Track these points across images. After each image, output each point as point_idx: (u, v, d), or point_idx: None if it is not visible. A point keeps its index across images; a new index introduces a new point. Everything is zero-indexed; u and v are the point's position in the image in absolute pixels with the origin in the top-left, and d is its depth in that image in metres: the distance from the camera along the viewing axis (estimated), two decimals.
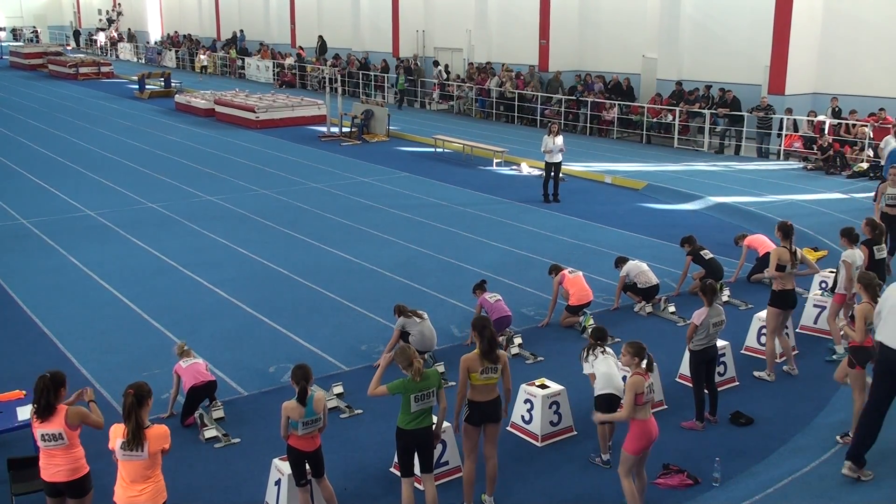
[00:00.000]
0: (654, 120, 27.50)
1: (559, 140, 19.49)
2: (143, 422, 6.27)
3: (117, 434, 6.27)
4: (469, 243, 16.57)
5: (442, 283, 14.15)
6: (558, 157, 19.60)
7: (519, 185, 21.86)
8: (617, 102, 28.77)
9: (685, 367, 10.18)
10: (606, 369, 8.49)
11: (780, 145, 24.65)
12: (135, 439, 6.18)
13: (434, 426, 7.49)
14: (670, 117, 26.91)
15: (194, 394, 9.36)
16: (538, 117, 30.86)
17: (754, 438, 9.14)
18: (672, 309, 12.84)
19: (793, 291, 10.66)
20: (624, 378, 8.07)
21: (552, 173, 19.79)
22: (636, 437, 7.32)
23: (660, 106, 27.34)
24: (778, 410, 9.78)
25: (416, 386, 7.17)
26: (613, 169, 23.18)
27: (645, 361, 7.35)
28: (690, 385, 9.55)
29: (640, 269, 12.92)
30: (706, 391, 9.42)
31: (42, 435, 6.55)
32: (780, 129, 24.42)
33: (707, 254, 13.46)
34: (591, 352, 8.66)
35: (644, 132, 27.58)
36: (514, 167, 23.96)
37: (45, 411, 6.53)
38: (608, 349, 8.77)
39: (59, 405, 6.58)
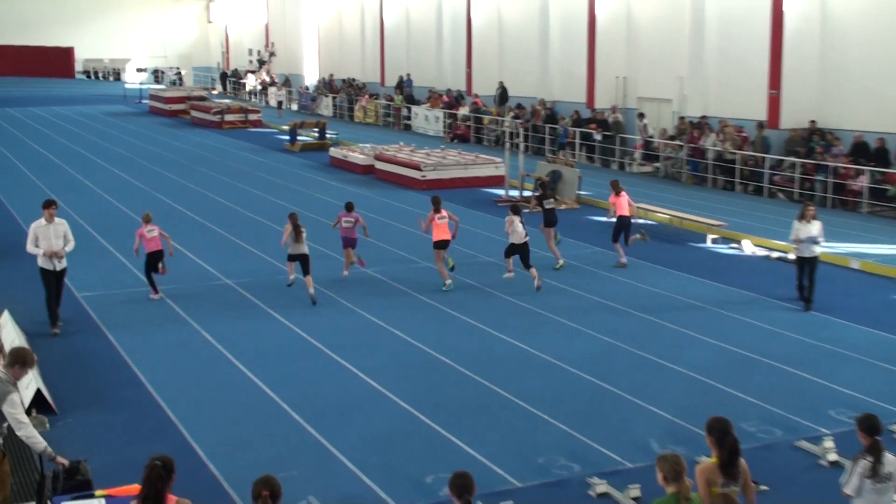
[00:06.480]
0: None
1: (816, 226, 17.62)
2: (165, 498, 6.90)
3: None
4: (675, 337, 16.25)
5: (638, 384, 13.88)
6: (815, 250, 17.71)
7: (740, 268, 21.35)
8: (868, 169, 27.78)
9: None
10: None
11: None
12: None
13: None
14: None
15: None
16: (765, 184, 30.21)
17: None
18: None
19: None
20: None
21: (805, 268, 17.82)
22: None
23: None
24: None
25: None
26: (862, 251, 22.34)
27: None
28: None
29: None
30: None
31: None
32: None
33: None
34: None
35: None
36: (733, 245, 23.44)
37: (155, 502, 6.99)
38: None
39: (168, 495, 7.08)
